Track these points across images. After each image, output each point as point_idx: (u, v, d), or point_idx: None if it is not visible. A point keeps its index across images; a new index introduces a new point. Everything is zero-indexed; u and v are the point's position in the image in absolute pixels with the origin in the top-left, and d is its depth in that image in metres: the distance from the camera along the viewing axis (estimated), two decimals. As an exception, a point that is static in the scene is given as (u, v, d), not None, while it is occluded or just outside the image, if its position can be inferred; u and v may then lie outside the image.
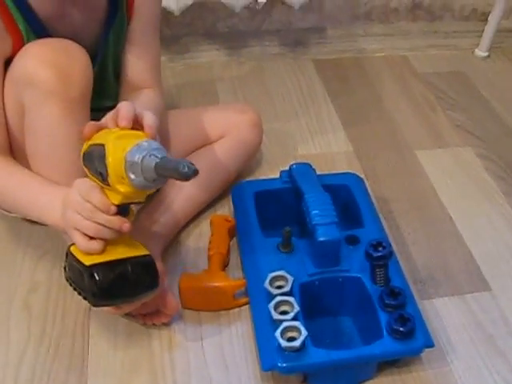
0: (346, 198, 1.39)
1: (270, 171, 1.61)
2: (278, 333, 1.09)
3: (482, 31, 2.16)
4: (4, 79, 1.19)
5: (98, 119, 1.09)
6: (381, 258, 1.18)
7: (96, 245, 1.06)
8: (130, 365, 1.20)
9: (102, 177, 1.01)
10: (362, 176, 1.53)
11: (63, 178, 1.18)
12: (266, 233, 1.31)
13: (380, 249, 1.19)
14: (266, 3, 1.96)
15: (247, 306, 1.29)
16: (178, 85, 1.95)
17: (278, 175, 1.44)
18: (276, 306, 1.14)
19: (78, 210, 1.05)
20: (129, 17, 1.31)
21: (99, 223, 1.04)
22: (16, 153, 1.24)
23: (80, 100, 1.16)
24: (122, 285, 1.08)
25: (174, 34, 1.99)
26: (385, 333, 1.13)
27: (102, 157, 1.00)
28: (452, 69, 2.12)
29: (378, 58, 2.15)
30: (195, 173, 0.93)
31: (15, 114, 1.19)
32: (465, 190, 1.63)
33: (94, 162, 1.03)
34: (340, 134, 1.79)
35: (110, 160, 0.99)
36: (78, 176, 1.17)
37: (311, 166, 1.39)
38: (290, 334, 1.10)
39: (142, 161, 0.96)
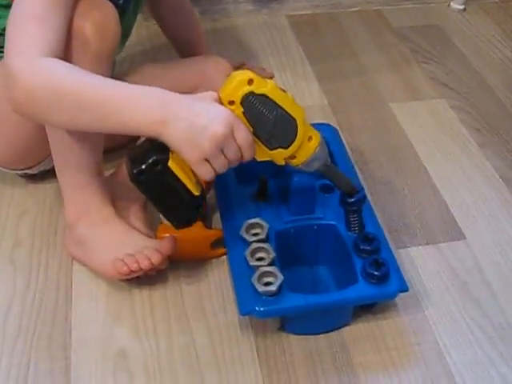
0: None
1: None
2: (254, 278, 1.10)
3: (458, -17, 2.15)
4: None
5: None
6: (355, 202, 1.18)
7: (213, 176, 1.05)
8: (111, 314, 1.22)
9: (269, 138, 1.04)
10: (337, 128, 1.53)
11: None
12: (243, 183, 1.32)
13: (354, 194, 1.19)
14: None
15: (225, 257, 1.30)
16: (153, 45, 1.93)
17: (252, 128, 1.43)
18: (252, 253, 1.15)
19: (222, 145, 1.01)
20: None
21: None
22: None
23: (109, 55, 1.15)
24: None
25: (149, -9, 1.97)
26: (360, 278, 1.14)
27: (288, 128, 1.04)
28: (427, 22, 2.12)
29: (353, 13, 2.15)
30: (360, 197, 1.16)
31: None
32: (440, 142, 1.64)
33: (263, 118, 1.03)
34: (315, 88, 1.79)
35: (300, 144, 1.06)
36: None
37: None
38: (266, 280, 1.11)
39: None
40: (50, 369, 1.14)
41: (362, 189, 1.20)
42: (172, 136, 1.00)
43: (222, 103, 1.02)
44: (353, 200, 1.18)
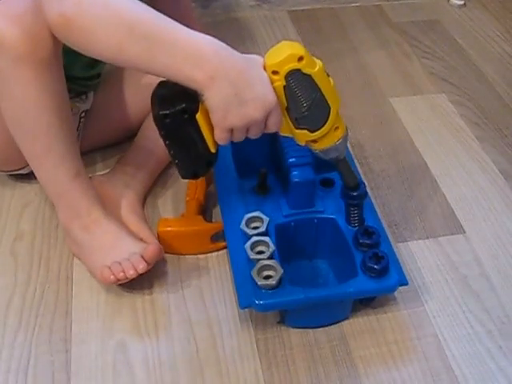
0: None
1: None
2: (254, 271, 1.10)
3: (458, -21, 2.15)
4: None
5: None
6: (356, 196, 1.18)
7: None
8: (112, 307, 1.22)
9: (299, 118, 1.04)
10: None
11: (37, 142, 1.16)
12: (243, 176, 1.32)
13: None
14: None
15: (225, 250, 1.30)
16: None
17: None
18: (252, 246, 1.14)
19: (250, 123, 1.02)
20: None
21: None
22: None
23: (51, 59, 1.10)
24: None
25: (148, -16, 1.97)
26: (359, 271, 1.14)
27: (320, 114, 1.04)
28: (427, 18, 2.12)
29: (353, 8, 2.15)
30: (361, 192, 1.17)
31: None
32: (439, 136, 1.64)
33: (301, 99, 1.02)
34: (315, 83, 1.78)
35: (326, 132, 1.06)
36: (53, 140, 1.15)
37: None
38: (266, 273, 1.10)
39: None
40: (50, 361, 1.14)
41: (364, 184, 1.20)
42: (212, 96, 0.98)
43: (265, 69, 1.01)
44: (354, 194, 1.18)
